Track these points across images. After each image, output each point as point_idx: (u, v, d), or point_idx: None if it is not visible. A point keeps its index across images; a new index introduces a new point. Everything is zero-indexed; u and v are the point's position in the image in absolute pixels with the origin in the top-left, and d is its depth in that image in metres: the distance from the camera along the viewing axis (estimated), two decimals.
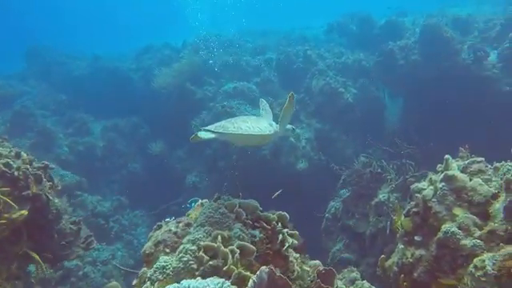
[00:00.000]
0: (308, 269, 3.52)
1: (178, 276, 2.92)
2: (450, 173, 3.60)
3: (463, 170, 3.73)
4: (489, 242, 3.17)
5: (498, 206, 3.29)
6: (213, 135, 3.54)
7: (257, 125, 3.65)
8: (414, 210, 3.83)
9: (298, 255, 3.49)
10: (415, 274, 3.60)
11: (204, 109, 12.33)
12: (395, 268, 3.89)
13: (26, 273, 5.38)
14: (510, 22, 10.89)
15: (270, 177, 10.40)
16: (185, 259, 2.96)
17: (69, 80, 16.36)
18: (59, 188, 6.09)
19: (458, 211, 3.45)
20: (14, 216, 4.72)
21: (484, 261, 3.03)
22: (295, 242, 3.37)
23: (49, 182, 5.47)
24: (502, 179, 3.43)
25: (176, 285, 2.65)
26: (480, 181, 3.52)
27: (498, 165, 3.76)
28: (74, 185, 11.53)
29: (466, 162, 3.80)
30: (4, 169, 4.74)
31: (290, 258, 3.35)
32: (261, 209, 3.44)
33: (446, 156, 3.83)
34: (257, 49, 15.62)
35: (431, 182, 3.81)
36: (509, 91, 9.85)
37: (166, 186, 12.39)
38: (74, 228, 6.13)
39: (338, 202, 8.33)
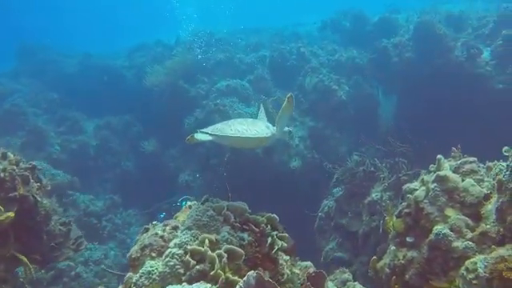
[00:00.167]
0: (298, 272, 3.47)
1: (164, 281, 2.86)
2: (442, 173, 3.55)
3: (455, 171, 3.69)
4: (481, 244, 3.13)
5: (490, 207, 3.25)
6: (210, 137, 3.55)
7: (254, 127, 3.62)
8: (406, 210, 3.78)
9: (288, 258, 3.44)
10: (407, 276, 3.56)
11: (197, 107, 12.23)
12: (387, 270, 3.84)
13: (13, 275, 5.31)
14: (503, 19, 10.85)
15: (262, 175, 10.38)
16: (171, 264, 2.90)
17: (61, 78, 16.19)
18: (48, 188, 6.03)
19: (450, 212, 3.40)
20: (1, 218, 4.65)
21: (476, 263, 2.99)
22: (284, 244, 3.31)
23: (37, 182, 5.40)
24: (494, 179, 3.39)
25: None
26: (472, 181, 3.48)
27: (490, 164, 3.72)
28: (66, 184, 11.41)
29: (459, 162, 3.75)
30: None
31: (280, 261, 3.30)
32: (249, 211, 3.38)
33: (439, 156, 3.78)
34: (250, 46, 15.52)
35: (423, 183, 3.77)
36: (502, 89, 9.84)
37: (159, 184, 12.31)
38: (63, 229, 6.07)
39: (331, 200, 8.28)
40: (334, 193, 8.32)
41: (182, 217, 3.40)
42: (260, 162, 10.47)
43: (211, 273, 2.80)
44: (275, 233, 3.33)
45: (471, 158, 3.73)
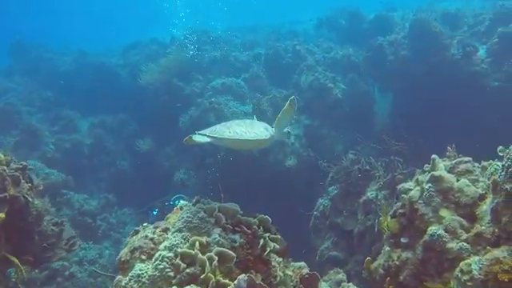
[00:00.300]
0: (291, 273, 3.42)
1: (153, 284, 2.81)
2: (436, 173, 3.51)
3: (450, 171, 3.65)
4: (475, 245, 3.09)
5: (485, 207, 3.21)
6: (207, 139, 3.50)
7: (252, 129, 3.57)
8: (401, 211, 3.74)
9: (280, 259, 3.39)
10: (401, 277, 3.52)
11: (192, 105, 12.17)
12: (381, 270, 3.80)
13: (5, 276, 5.25)
14: (498, 17, 10.81)
15: (258, 174, 10.33)
16: (161, 267, 2.85)
17: (55, 76, 16.09)
18: (41, 188, 5.97)
19: (444, 213, 3.36)
20: None
21: (470, 265, 2.95)
22: (277, 246, 3.26)
23: (28, 183, 5.32)
24: (489, 179, 3.35)
25: None
26: (467, 181, 3.44)
27: (485, 164, 3.68)
28: (60, 183, 11.33)
29: (454, 161, 3.71)
30: None
31: (272, 263, 3.25)
32: (241, 212, 3.32)
33: (433, 156, 3.74)
34: (246, 44, 15.47)
35: (418, 183, 3.72)
36: (497, 86, 9.81)
37: (154, 183, 12.24)
38: (55, 229, 6.01)
39: (326, 199, 8.24)
40: (329, 191, 8.27)
41: (172, 218, 3.34)
42: (255, 160, 10.42)
43: (201, 276, 2.75)
44: (267, 234, 3.28)
45: (466, 158, 3.69)
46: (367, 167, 7.39)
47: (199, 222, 3.10)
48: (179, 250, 2.90)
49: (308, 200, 9.02)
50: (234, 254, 2.95)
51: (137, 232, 3.32)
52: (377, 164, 7.30)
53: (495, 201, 3.05)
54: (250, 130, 3.53)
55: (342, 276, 4.35)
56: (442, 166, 3.67)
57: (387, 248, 3.80)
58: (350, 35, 14.26)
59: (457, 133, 8.81)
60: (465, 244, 3.12)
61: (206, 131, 3.53)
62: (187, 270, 2.80)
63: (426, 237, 3.32)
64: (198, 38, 13.99)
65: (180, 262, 2.81)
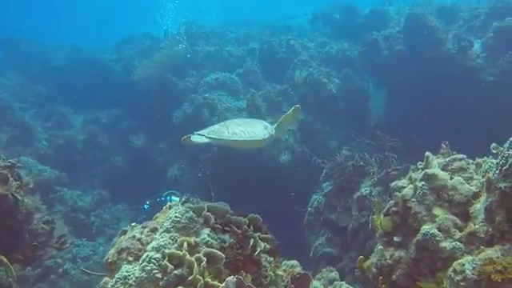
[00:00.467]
0: (282, 273, 3.37)
1: (140, 286, 2.75)
2: (429, 171, 3.45)
3: (444, 168, 3.59)
4: (469, 245, 3.04)
5: (478, 206, 3.16)
6: (206, 140, 3.47)
7: (251, 129, 3.53)
8: (394, 209, 3.68)
9: (271, 259, 3.33)
10: (394, 277, 3.47)
11: (186, 100, 12.09)
12: (374, 269, 3.75)
13: None
14: (494, 11, 10.76)
15: (252, 170, 10.27)
16: (148, 268, 2.78)
17: (47, 71, 15.97)
18: (31, 186, 5.90)
19: (438, 211, 3.31)
20: None
21: (463, 265, 2.90)
22: (268, 246, 3.20)
23: (16, 181, 5.26)
24: (483, 177, 3.30)
25: None
26: (461, 179, 3.38)
27: (479, 161, 3.62)
28: (53, 179, 11.26)
29: (447, 159, 3.65)
30: None
31: (263, 263, 3.19)
32: (231, 212, 3.26)
33: (427, 153, 3.69)
34: (240, 39, 15.37)
35: (411, 181, 3.67)
36: (492, 81, 9.77)
37: (148, 179, 12.17)
38: (46, 227, 5.96)
39: (320, 195, 8.21)
40: (323, 187, 8.24)
41: (161, 218, 3.27)
42: (249, 156, 10.36)
43: (189, 278, 2.69)
44: (258, 234, 3.21)
45: (460, 155, 3.63)
46: (361, 163, 7.37)
47: (188, 222, 3.03)
48: (167, 250, 2.83)
49: (302, 195, 8.98)
50: (223, 255, 2.88)
51: (125, 232, 3.25)
52: (371, 160, 7.27)
53: (489, 199, 3.00)
54: (249, 130, 3.51)
55: (334, 274, 4.30)
56: (435, 164, 3.62)
57: (380, 246, 3.75)
58: (345, 30, 14.18)
59: (451, 127, 8.81)
60: (458, 243, 3.07)
61: (205, 132, 3.50)
62: (175, 272, 2.73)
63: (419, 236, 3.27)
64: (191, 32, 13.88)
65: (167, 264, 2.74)
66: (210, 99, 11.23)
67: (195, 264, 2.72)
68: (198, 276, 2.68)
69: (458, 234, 3.13)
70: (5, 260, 4.96)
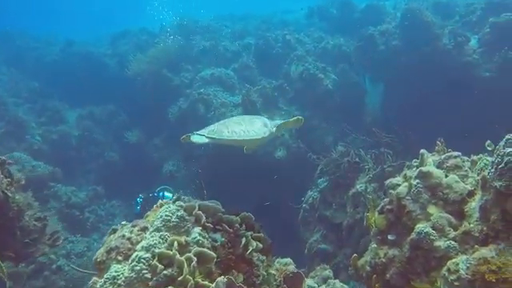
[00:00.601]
0: (274, 272, 3.32)
1: (129, 287, 2.69)
2: (424, 169, 3.41)
3: (439, 166, 3.54)
4: (463, 244, 2.99)
5: (473, 204, 3.12)
6: (206, 140, 3.47)
7: (251, 127, 3.55)
8: (388, 207, 3.63)
9: (264, 258, 3.28)
10: (388, 275, 3.43)
11: (181, 96, 12.00)
12: (368, 268, 3.71)
13: None
14: (490, 7, 10.73)
15: (247, 165, 10.19)
16: (137, 268, 2.72)
17: (41, 66, 15.86)
18: (22, 183, 5.85)
19: (432, 210, 3.26)
20: None
21: (458, 264, 2.86)
22: (260, 245, 3.15)
23: (7, 178, 5.20)
24: (478, 175, 3.26)
25: None
26: (456, 177, 3.33)
27: (475, 158, 3.58)
28: (47, 175, 11.19)
29: (442, 156, 3.60)
30: None
31: (255, 262, 3.14)
32: (223, 210, 3.21)
33: (422, 151, 3.64)
34: (236, 34, 15.27)
35: (406, 178, 3.62)
36: (489, 77, 9.74)
37: (143, 175, 12.11)
38: (38, 224, 5.92)
39: (315, 191, 8.16)
40: (318, 184, 8.20)
41: (152, 216, 3.22)
42: (244, 151, 10.29)
43: (179, 278, 2.64)
44: (250, 233, 3.17)
45: (455, 153, 3.58)
46: (357, 159, 7.33)
47: (178, 221, 2.97)
48: (157, 250, 2.78)
49: (297, 192, 8.94)
50: (214, 254, 2.84)
51: (114, 231, 3.19)
52: (366, 156, 7.23)
53: (484, 198, 2.96)
54: (249, 129, 3.52)
55: (328, 272, 4.27)
56: (430, 161, 3.57)
57: (374, 245, 3.71)
58: (341, 25, 14.11)
59: (447, 123, 8.79)
60: (452, 242, 3.03)
61: (204, 131, 3.49)
62: (164, 272, 2.68)
63: (413, 234, 3.22)
64: (187, 27, 13.78)
65: (157, 264, 2.69)
66: (205, 94, 11.16)
67: (185, 264, 2.67)
68: (188, 276, 2.63)
69: (453, 233, 3.08)
70: None
